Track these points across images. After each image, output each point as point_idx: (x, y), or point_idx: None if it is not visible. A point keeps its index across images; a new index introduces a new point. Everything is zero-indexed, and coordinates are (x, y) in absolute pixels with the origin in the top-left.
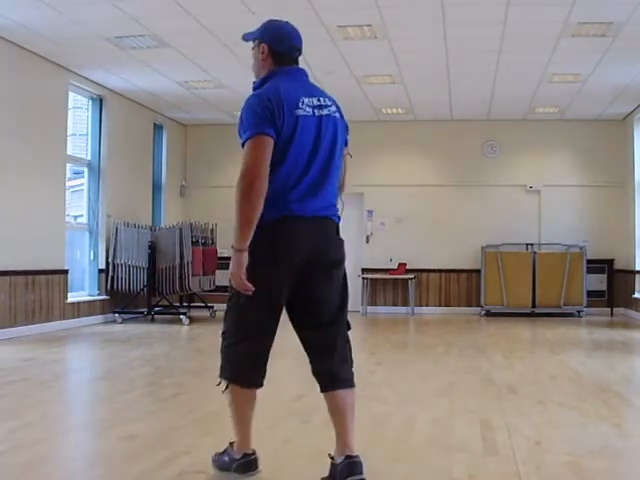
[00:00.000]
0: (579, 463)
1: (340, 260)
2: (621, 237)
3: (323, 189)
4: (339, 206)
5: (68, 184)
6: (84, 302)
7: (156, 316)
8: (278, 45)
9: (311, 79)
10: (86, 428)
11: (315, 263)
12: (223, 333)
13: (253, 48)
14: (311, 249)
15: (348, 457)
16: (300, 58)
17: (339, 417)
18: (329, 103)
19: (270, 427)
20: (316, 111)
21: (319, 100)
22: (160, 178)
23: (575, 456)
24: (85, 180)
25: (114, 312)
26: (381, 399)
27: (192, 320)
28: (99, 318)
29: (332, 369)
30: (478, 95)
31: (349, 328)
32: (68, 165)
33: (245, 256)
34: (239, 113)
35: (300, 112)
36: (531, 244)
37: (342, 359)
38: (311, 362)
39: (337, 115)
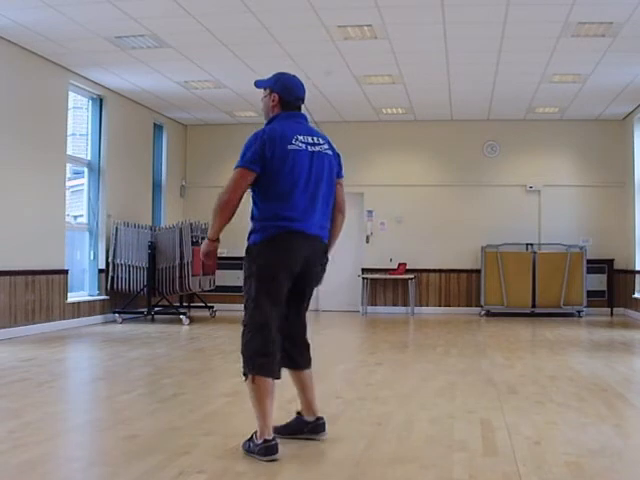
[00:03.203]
0: (579, 463)
1: (319, 272)
2: (621, 237)
3: (314, 211)
4: (335, 227)
5: (68, 184)
6: (84, 302)
7: (156, 316)
8: (287, 95)
9: (310, 81)
10: (86, 428)
11: (303, 269)
12: (242, 332)
13: (265, 96)
14: (304, 261)
15: (319, 419)
16: (300, 59)
17: (309, 389)
18: (322, 142)
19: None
20: (309, 147)
21: (313, 139)
22: (160, 178)
23: (575, 456)
24: (85, 180)
25: (114, 312)
26: (381, 399)
27: (192, 320)
28: (99, 318)
29: (308, 354)
30: (478, 95)
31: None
32: (68, 165)
33: (215, 244)
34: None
35: (293, 147)
36: (531, 244)
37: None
38: (290, 349)
39: (329, 152)
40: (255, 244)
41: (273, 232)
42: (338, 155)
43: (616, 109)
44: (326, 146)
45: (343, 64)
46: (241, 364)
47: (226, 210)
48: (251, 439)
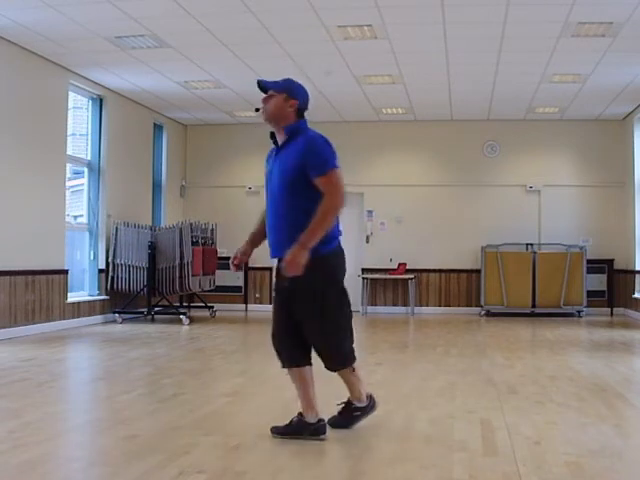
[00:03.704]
0: (579, 463)
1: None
2: (621, 237)
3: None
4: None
5: (68, 184)
6: (84, 302)
7: (156, 316)
8: (304, 105)
9: (310, 81)
10: (86, 428)
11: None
12: (332, 335)
13: (273, 96)
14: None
15: (321, 420)
16: (300, 59)
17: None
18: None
19: (270, 427)
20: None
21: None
22: (160, 178)
23: (575, 456)
24: (85, 180)
25: (114, 312)
26: (381, 399)
27: (192, 320)
28: (99, 318)
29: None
30: (478, 95)
31: None
32: (68, 165)
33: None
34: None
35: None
36: (531, 244)
37: None
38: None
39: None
40: (329, 253)
41: (337, 243)
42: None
43: (616, 109)
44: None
45: (343, 64)
46: (338, 362)
47: (338, 213)
48: (292, 423)
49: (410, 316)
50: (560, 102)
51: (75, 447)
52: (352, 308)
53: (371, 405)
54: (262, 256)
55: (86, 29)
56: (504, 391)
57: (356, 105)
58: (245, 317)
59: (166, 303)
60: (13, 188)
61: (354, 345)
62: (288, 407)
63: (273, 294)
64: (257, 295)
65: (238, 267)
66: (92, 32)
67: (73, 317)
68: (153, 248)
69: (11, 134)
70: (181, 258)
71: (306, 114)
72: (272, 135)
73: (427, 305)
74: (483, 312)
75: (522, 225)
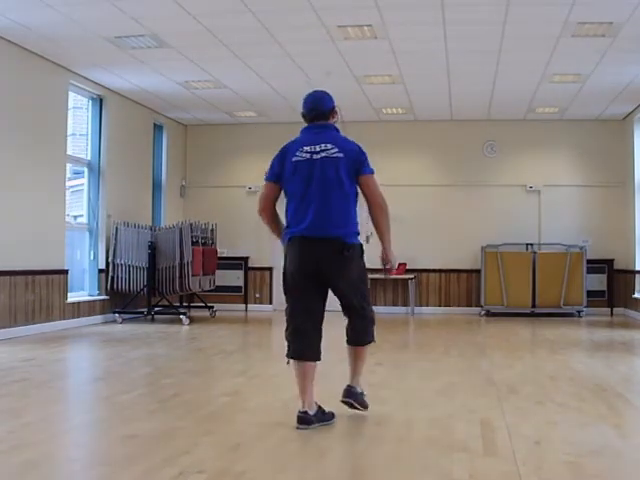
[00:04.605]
0: (579, 463)
1: (341, 271)
2: (621, 237)
3: (323, 213)
4: (376, 222)
5: (68, 184)
6: (84, 302)
7: (156, 316)
8: (303, 109)
9: (310, 81)
10: (86, 428)
11: (319, 270)
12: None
13: None
14: (315, 261)
15: (347, 385)
16: (300, 59)
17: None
18: (330, 147)
19: (270, 427)
20: (314, 155)
21: (321, 146)
22: (160, 178)
23: (575, 456)
24: (85, 180)
25: (114, 312)
26: (381, 399)
27: (192, 320)
28: (99, 318)
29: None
30: (478, 95)
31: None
32: (68, 165)
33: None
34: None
35: (295, 158)
36: (531, 244)
37: None
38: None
39: (339, 155)
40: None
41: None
42: (359, 153)
43: (616, 109)
44: (334, 149)
45: (343, 64)
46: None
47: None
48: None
49: (410, 316)
50: (560, 102)
51: (75, 447)
52: None
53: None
54: (262, 256)
55: (86, 29)
56: (504, 391)
57: (356, 105)
58: (245, 317)
59: (166, 303)
60: (13, 188)
61: None
62: (288, 407)
63: (295, 276)
64: (257, 295)
65: None
66: (92, 32)
67: (73, 317)
68: (153, 248)
69: (11, 134)
70: (181, 258)
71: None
72: None
73: (427, 305)
74: (483, 312)
75: (522, 225)
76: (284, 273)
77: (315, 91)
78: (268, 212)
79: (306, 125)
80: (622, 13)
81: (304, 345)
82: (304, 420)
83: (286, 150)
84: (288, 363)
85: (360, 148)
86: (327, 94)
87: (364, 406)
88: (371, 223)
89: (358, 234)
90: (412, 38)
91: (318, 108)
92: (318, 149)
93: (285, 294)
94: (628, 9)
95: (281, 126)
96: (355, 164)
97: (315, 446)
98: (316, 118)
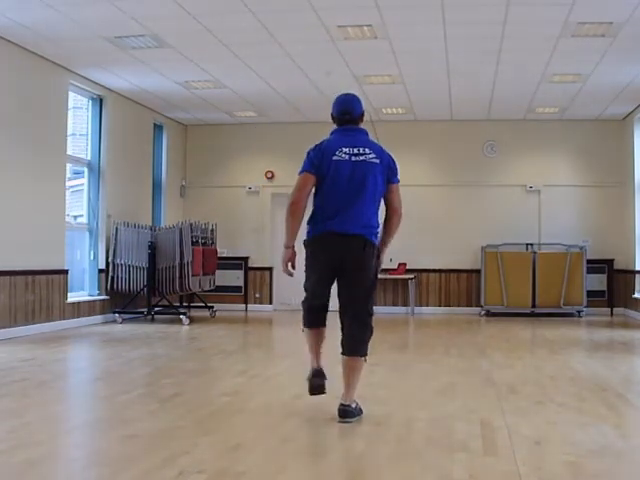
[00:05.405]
0: (579, 463)
1: (361, 264)
2: (621, 237)
3: (354, 212)
4: (389, 226)
5: (68, 184)
6: (84, 302)
7: (156, 316)
8: (334, 111)
9: (310, 81)
10: (86, 428)
11: (341, 264)
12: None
13: None
14: (339, 255)
15: (342, 405)
16: (300, 59)
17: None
18: (368, 152)
19: (270, 427)
20: (353, 157)
21: (359, 150)
22: (160, 178)
23: (575, 456)
24: (85, 180)
25: (114, 312)
26: (381, 399)
27: (192, 320)
28: (99, 318)
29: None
30: (478, 95)
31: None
32: (68, 165)
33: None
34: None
35: (335, 157)
36: (531, 244)
37: None
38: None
39: (375, 161)
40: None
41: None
42: (392, 162)
43: (616, 109)
44: (372, 155)
45: (343, 64)
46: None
47: (290, 213)
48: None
49: (410, 316)
50: (560, 102)
51: (75, 447)
52: None
53: (309, 377)
54: (262, 256)
55: (86, 29)
56: (504, 391)
57: None
58: (245, 317)
59: (166, 303)
60: (13, 188)
61: None
62: (288, 407)
63: (318, 266)
64: (257, 295)
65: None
66: (92, 32)
67: (73, 317)
68: (153, 248)
69: (11, 134)
70: (181, 258)
71: (307, 114)
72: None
73: (427, 305)
74: (483, 312)
75: (522, 225)
76: (307, 265)
77: (346, 94)
78: (302, 204)
79: (338, 127)
80: (622, 13)
81: (315, 317)
82: (319, 386)
83: (325, 148)
84: (303, 331)
85: (392, 158)
86: (357, 98)
87: (360, 414)
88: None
89: (377, 236)
90: (412, 38)
91: (351, 112)
92: (356, 152)
93: (306, 272)
94: (628, 9)
95: (281, 126)
96: (389, 172)
97: (315, 446)
98: (347, 122)
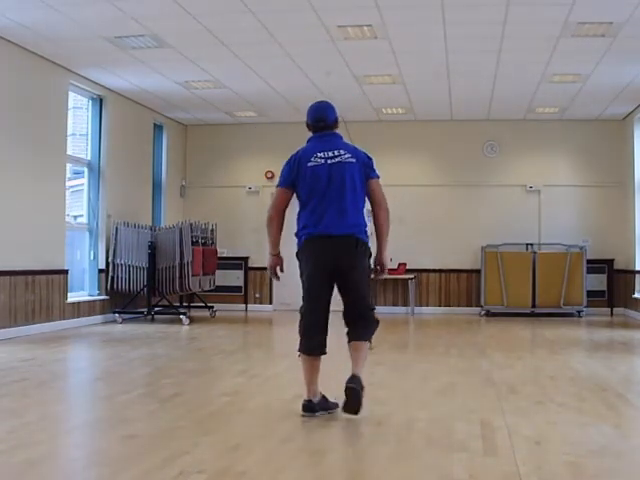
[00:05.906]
0: (579, 463)
1: (354, 263)
2: (621, 237)
3: (339, 213)
4: (379, 223)
5: (68, 184)
6: (84, 302)
7: (156, 316)
8: (308, 120)
9: (310, 81)
10: (86, 428)
11: (336, 266)
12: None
13: None
14: (333, 256)
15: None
16: (300, 59)
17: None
18: (343, 152)
19: (270, 427)
20: (329, 160)
21: (334, 152)
22: (160, 178)
23: (575, 456)
24: (85, 180)
25: (114, 312)
26: (381, 399)
27: (192, 320)
28: (99, 318)
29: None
30: (478, 95)
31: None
32: (68, 165)
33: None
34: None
35: (310, 164)
36: (531, 244)
37: None
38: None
39: (352, 160)
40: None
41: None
42: (367, 158)
43: (616, 109)
44: (347, 155)
45: (343, 64)
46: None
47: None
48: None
49: (410, 316)
50: (560, 102)
51: (75, 447)
52: None
53: (303, 405)
54: (262, 256)
55: (86, 29)
56: (504, 391)
57: (356, 105)
58: (245, 317)
59: (166, 303)
60: (13, 188)
61: None
62: (288, 407)
63: (313, 274)
64: (257, 295)
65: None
66: (92, 32)
67: (73, 317)
68: (153, 248)
69: (11, 134)
70: (181, 258)
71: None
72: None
73: (427, 305)
74: (483, 312)
75: (522, 225)
76: (302, 274)
77: (319, 102)
78: (280, 218)
79: (314, 134)
80: (622, 13)
81: (314, 342)
82: (308, 408)
83: (299, 157)
84: (299, 356)
85: (367, 154)
86: (331, 105)
87: (359, 400)
88: (370, 223)
89: (367, 234)
90: (412, 38)
91: (325, 119)
92: (331, 154)
93: (302, 278)
94: (628, 9)
95: (281, 126)
96: (365, 169)
97: (315, 446)
98: (322, 129)
